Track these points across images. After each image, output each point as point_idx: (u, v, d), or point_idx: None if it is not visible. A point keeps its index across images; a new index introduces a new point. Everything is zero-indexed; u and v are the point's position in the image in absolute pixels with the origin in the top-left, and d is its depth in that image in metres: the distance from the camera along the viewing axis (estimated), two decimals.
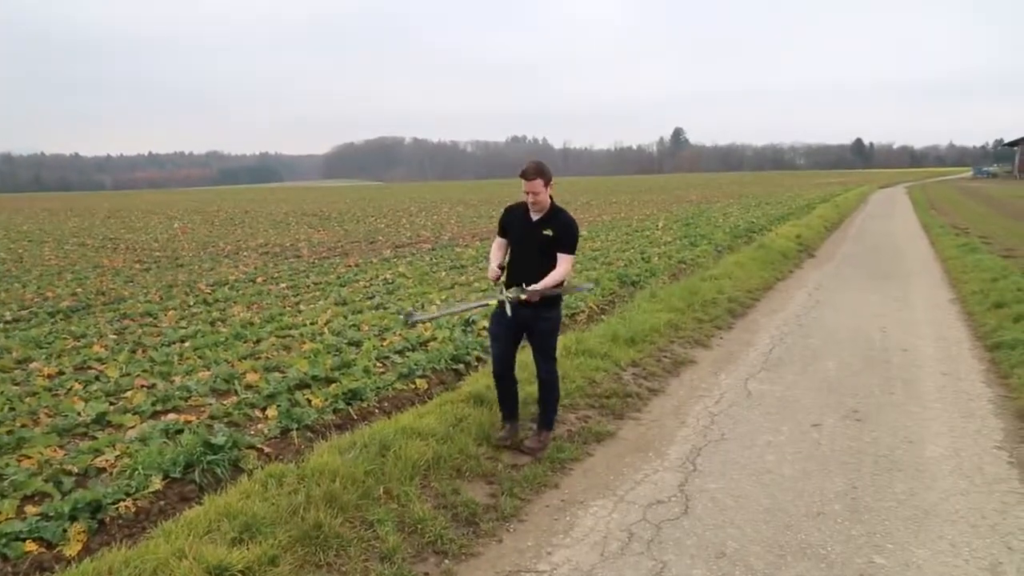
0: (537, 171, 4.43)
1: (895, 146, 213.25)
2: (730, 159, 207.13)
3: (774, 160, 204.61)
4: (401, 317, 4.35)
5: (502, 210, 4.81)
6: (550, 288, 4.50)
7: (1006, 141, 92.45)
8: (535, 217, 4.56)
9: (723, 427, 5.21)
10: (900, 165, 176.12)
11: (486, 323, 7.62)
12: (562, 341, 6.69)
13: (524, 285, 4.45)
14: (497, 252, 4.75)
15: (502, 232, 4.77)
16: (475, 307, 5.20)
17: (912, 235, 19.59)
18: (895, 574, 3.33)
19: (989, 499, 4.09)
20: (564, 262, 4.53)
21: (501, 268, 4.66)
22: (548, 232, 4.51)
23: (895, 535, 3.68)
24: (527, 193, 4.48)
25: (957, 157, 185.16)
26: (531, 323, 4.63)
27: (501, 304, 4.50)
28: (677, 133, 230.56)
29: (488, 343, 5.54)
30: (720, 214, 24.69)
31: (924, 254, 15.45)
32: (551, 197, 4.60)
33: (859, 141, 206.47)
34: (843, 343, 7.64)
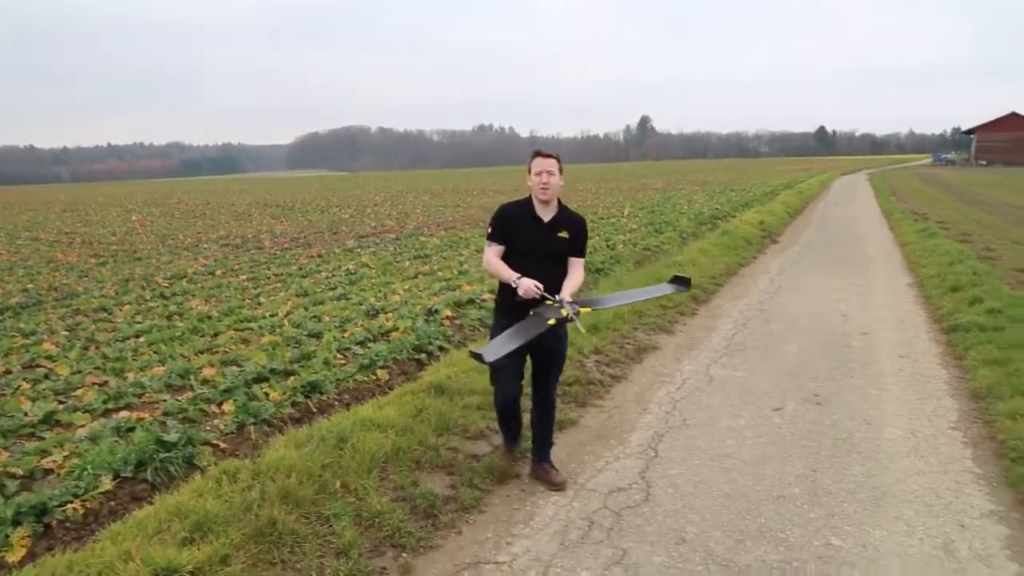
0: (552, 152, 3.91)
1: (857, 134, 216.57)
2: (696, 147, 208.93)
3: (739, 148, 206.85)
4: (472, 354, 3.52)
5: (495, 212, 4.01)
6: (589, 301, 3.97)
7: (963, 129, 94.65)
8: (546, 217, 3.89)
9: (685, 413, 5.22)
10: (862, 152, 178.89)
11: (452, 313, 7.57)
12: None
13: (559, 298, 3.71)
14: (501, 262, 3.89)
15: (501, 238, 3.92)
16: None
17: (873, 221, 19.89)
18: (852, 555, 3.36)
19: (944, 479, 4.15)
20: (580, 267, 3.97)
21: (549, 296, 3.73)
22: (564, 235, 3.89)
23: (853, 517, 3.72)
24: (538, 175, 3.83)
25: (917, 144, 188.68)
26: (550, 343, 3.95)
27: (561, 322, 3.67)
28: (644, 121, 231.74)
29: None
30: (685, 201, 24.84)
31: (884, 239, 15.69)
32: (559, 199, 4.02)
33: (822, 129, 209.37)
34: (804, 328, 7.72)
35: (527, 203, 3.96)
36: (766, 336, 7.41)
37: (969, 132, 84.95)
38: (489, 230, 3.97)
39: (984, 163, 75.65)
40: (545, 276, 3.76)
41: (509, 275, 3.78)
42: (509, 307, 3.89)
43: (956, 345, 6.84)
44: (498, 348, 3.54)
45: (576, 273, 3.93)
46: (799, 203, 25.07)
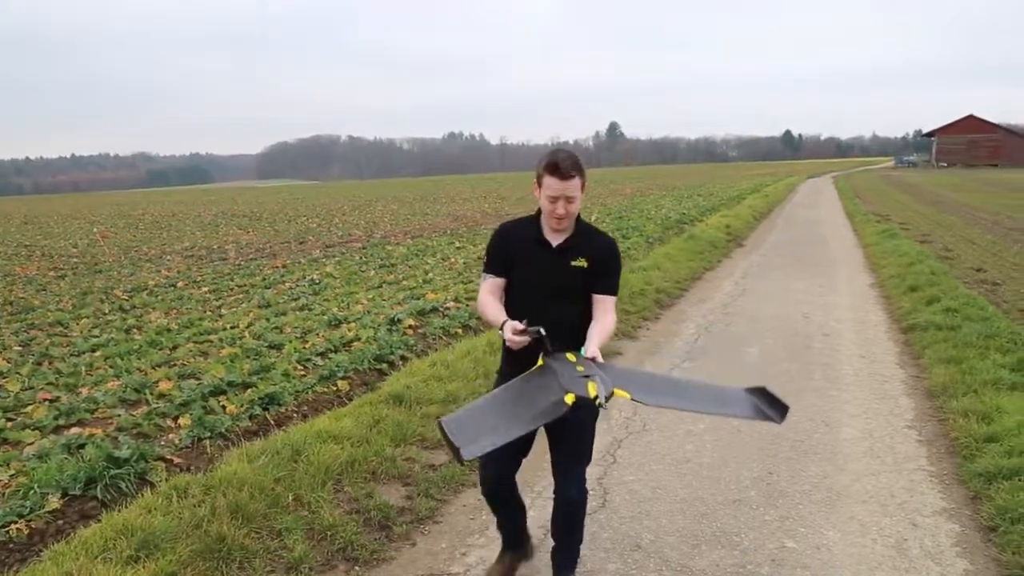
0: (576, 165, 2.76)
1: (822, 137, 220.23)
2: (665, 152, 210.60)
3: (707, 152, 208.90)
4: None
5: (492, 233, 3.04)
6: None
7: (924, 132, 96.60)
8: (556, 241, 2.89)
9: (644, 418, 5.23)
10: (827, 155, 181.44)
11: (415, 322, 7.53)
12: (485, 337, 6.65)
13: (583, 353, 2.65)
14: (494, 303, 2.92)
15: (500, 267, 2.95)
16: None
17: (837, 223, 20.18)
18: (805, 557, 3.38)
19: (899, 478, 4.20)
20: (610, 309, 2.91)
21: (536, 331, 2.66)
22: (580, 263, 2.87)
23: (807, 518, 3.75)
24: (552, 201, 2.77)
25: (880, 147, 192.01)
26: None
27: (585, 405, 2.41)
28: (613, 127, 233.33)
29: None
30: (653, 206, 25.01)
31: (848, 241, 15.92)
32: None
33: (788, 133, 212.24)
34: (767, 330, 7.79)
35: (533, 221, 2.95)
36: (729, 339, 7.46)
37: (929, 135, 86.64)
38: (485, 258, 3.04)
39: (944, 165, 77.17)
40: (555, 320, 2.73)
41: (495, 318, 2.83)
42: (513, 362, 2.86)
43: (914, 344, 6.95)
44: (480, 429, 2.36)
45: (605, 317, 2.86)
46: (765, 207, 25.35)
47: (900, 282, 9.78)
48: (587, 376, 2.45)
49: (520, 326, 2.67)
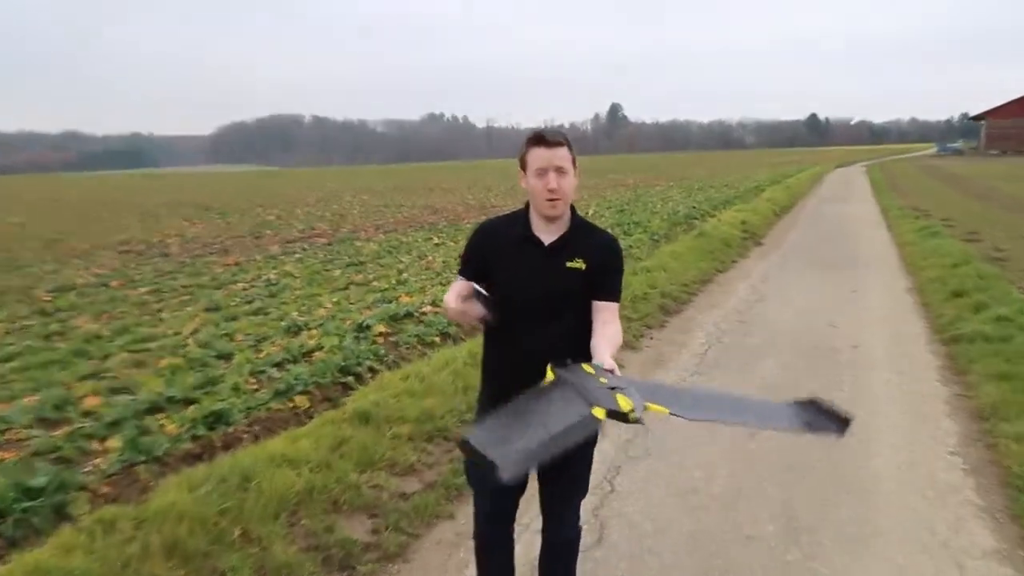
0: (564, 136, 2.74)
1: (853, 121, 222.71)
2: (674, 138, 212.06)
3: (721, 138, 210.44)
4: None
5: (473, 231, 2.98)
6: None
7: (972, 115, 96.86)
8: (548, 237, 2.80)
9: (647, 441, 5.19)
10: (859, 142, 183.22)
11: (387, 329, 7.47)
12: (466, 347, 6.61)
13: (600, 365, 2.49)
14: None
15: (473, 271, 2.85)
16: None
17: (869, 219, 20.26)
18: None
19: (941, 512, 4.18)
20: (613, 316, 2.79)
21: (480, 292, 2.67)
22: (577, 265, 2.78)
23: (834, 559, 3.72)
24: (540, 175, 2.70)
25: (920, 132, 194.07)
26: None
27: (619, 419, 2.24)
28: (615, 110, 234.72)
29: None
30: (659, 199, 25.08)
31: (881, 240, 15.98)
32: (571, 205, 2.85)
33: (814, 116, 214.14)
34: (787, 341, 7.78)
35: (520, 218, 2.87)
36: (743, 351, 7.46)
37: (978, 118, 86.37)
38: (460, 259, 2.99)
39: (995, 152, 76.82)
40: (551, 333, 2.75)
41: (447, 300, 2.74)
42: (498, 391, 2.68)
43: (958, 358, 6.93)
44: (511, 443, 2.16)
45: (608, 328, 2.74)
46: (787, 200, 25.46)
47: (942, 286, 9.79)
48: (613, 388, 2.30)
49: (466, 289, 2.63)
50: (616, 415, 2.21)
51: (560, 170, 2.67)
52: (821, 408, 2.61)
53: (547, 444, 2.15)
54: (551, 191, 2.67)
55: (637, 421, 2.21)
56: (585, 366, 2.47)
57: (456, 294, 2.68)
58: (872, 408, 5.82)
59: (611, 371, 2.44)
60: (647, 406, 2.29)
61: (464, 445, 2.14)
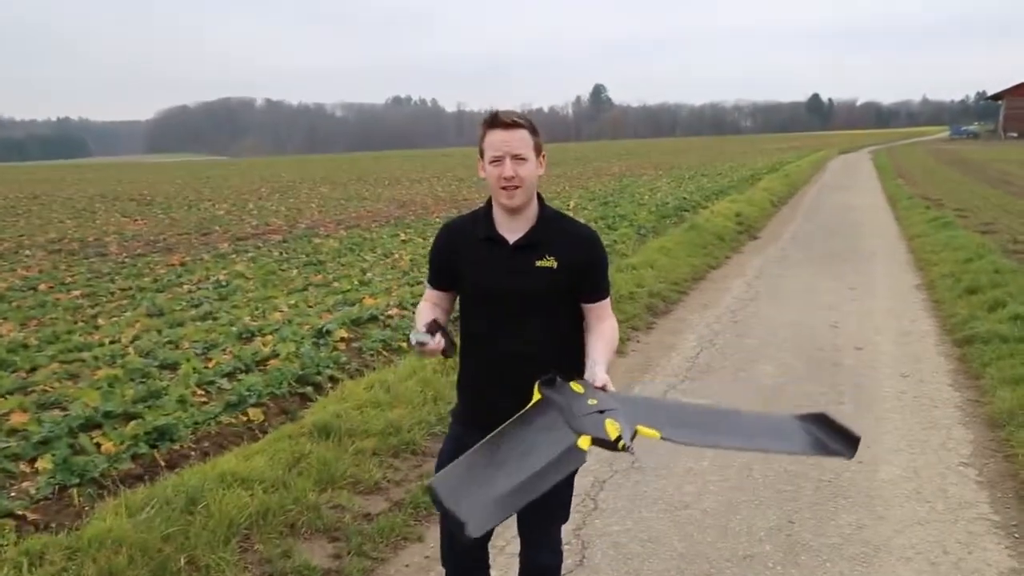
0: (524, 117, 2.69)
1: (858, 102, 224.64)
2: (662, 122, 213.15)
3: (715, 122, 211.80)
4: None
5: (435, 238, 2.97)
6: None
7: (989, 94, 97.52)
8: (513, 234, 2.75)
9: (633, 453, 5.23)
10: (865, 125, 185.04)
11: (349, 334, 7.47)
12: None
13: (589, 381, 2.52)
14: (427, 311, 2.88)
15: (438, 277, 2.92)
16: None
17: (875, 209, 20.48)
18: None
19: (953, 529, 4.22)
20: (607, 315, 2.81)
21: (431, 331, 2.64)
22: (547, 263, 2.73)
23: None
24: (496, 162, 2.64)
25: (932, 114, 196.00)
26: None
27: (606, 447, 2.28)
28: (597, 91, 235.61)
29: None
30: (646, 189, 25.20)
31: (888, 232, 16.16)
32: (539, 195, 2.82)
33: (816, 98, 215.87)
34: (785, 343, 7.87)
35: (484, 215, 2.82)
36: (737, 354, 7.53)
37: (996, 98, 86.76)
38: (428, 265, 3.01)
39: (1015, 135, 76.87)
40: (529, 341, 2.71)
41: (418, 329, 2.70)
42: (475, 398, 2.87)
43: (971, 361, 7.00)
44: (483, 492, 2.19)
45: (601, 326, 2.77)
46: (786, 189, 25.68)
47: (955, 283, 9.89)
48: (602, 411, 2.30)
49: (424, 336, 2.59)
50: (603, 443, 2.22)
51: (517, 157, 2.62)
52: (829, 423, 2.56)
53: (524, 486, 2.16)
54: (506, 180, 2.63)
55: (626, 449, 2.22)
56: (574, 384, 2.47)
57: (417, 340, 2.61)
58: (878, 415, 5.89)
59: (603, 387, 2.45)
60: (638, 430, 2.30)
61: (431, 492, 2.20)
